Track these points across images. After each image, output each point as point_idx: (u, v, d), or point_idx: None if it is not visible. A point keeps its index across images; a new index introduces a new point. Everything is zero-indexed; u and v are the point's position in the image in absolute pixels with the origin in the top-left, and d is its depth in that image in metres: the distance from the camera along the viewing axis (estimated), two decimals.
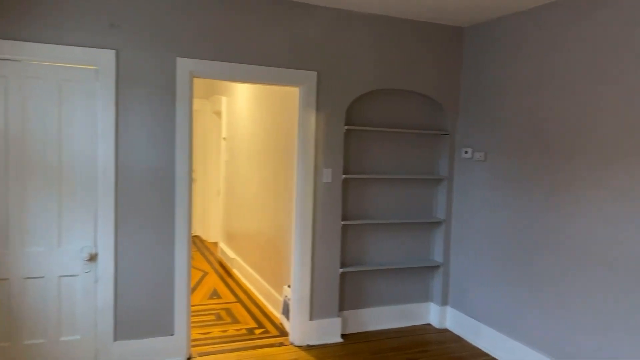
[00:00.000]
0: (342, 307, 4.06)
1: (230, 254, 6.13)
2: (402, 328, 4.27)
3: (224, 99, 6.61)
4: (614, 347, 2.84)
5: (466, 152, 4.07)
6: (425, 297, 4.39)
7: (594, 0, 2.97)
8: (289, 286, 4.20)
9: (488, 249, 3.84)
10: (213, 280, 5.62)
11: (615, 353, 2.84)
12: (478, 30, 3.98)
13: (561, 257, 3.20)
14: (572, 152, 3.13)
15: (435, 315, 4.32)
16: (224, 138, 6.61)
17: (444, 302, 4.29)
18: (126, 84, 3.18)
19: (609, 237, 2.88)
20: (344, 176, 3.88)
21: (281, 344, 3.88)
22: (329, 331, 3.92)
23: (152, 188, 3.29)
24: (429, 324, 4.37)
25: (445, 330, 4.25)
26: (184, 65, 3.31)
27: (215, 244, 7.44)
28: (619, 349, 2.82)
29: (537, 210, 3.39)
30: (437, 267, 4.33)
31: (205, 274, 5.90)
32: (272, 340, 3.95)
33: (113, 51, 3.13)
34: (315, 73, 3.71)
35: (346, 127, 3.86)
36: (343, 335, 4.01)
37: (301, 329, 3.85)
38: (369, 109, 4.06)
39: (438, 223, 4.31)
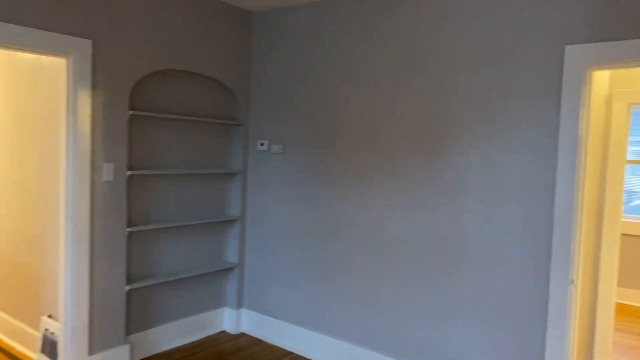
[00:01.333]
0: (129, 331, 3.35)
1: None
2: (196, 342, 3.79)
3: None
4: (405, 326, 3.05)
5: (262, 144, 3.84)
6: (219, 303, 4.01)
7: None
8: (50, 316, 3.26)
9: (286, 244, 3.71)
10: None
11: (404, 331, 3.05)
12: (267, 16, 3.78)
13: (352, 245, 3.28)
14: (369, 143, 3.22)
15: (230, 320, 3.99)
16: None
17: (239, 304, 4.00)
18: None
19: (397, 226, 3.07)
20: (129, 172, 3.18)
21: None
22: None
23: None
24: (223, 332, 4.01)
25: (242, 335, 3.96)
26: None
27: None
28: (407, 327, 3.04)
29: (333, 202, 3.41)
30: (231, 268, 3.99)
31: None
32: None
33: None
34: (89, 42, 2.91)
35: (131, 112, 3.16)
36: None
37: None
38: (158, 92, 3.44)
39: (232, 221, 3.97)
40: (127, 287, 3.23)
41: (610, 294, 3.31)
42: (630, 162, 5.27)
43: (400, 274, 3.12)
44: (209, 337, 3.90)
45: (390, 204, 3.16)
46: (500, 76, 2.71)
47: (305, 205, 3.59)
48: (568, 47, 2.48)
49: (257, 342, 3.84)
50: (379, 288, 3.22)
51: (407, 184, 3.08)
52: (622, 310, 5.16)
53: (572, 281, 2.56)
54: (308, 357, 3.59)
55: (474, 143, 2.81)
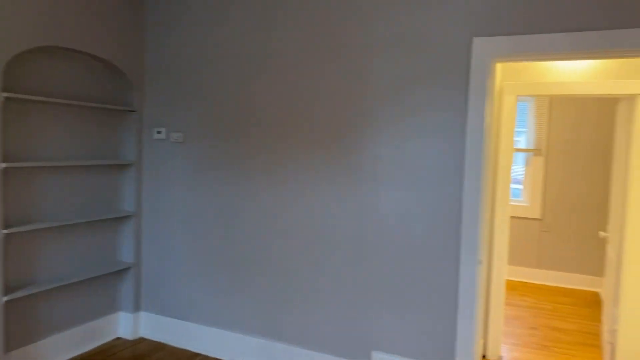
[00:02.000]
0: (9, 347, 2.90)
1: None
2: (89, 352, 3.41)
3: None
4: (319, 316, 3.04)
5: (159, 132, 3.54)
6: (113, 307, 3.64)
7: None
8: None
9: (187, 240, 3.48)
10: None
11: (318, 321, 3.04)
12: None
13: (260, 238, 3.19)
14: (278, 130, 3.13)
15: (127, 325, 3.65)
16: None
17: (136, 308, 3.67)
18: None
19: (307, 215, 3.04)
20: (3, 165, 2.72)
21: None
22: None
23: None
24: (118, 338, 3.66)
25: (141, 341, 3.65)
26: None
27: None
28: (321, 317, 3.03)
29: (239, 194, 3.26)
30: (126, 269, 3.64)
31: None
32: None
33: None
34: None
35: (5, 95, 2.70)
36: None
37: None
38: (40, 73, 2.99)
39: (126, 217, 3.62)
40: (5, 298, 2.78)
41: (502, 271, 3.59)
42: (518, 150, 5.80)
43: (312, 264, 3.08)
44: (102, 345, 3.53)
45: (300, 194, 3.09)
46: (412, 65, 2.77)
47: (209, 197, 3.38)
48: (476, 40, 2.60)
49: (160, 347, 3.56)
50: (291, 280, 3.15)
51: (318, 172, 3.04)
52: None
53: (480, 262, 2.71)
54: (217, 357, 3.41)
55: (386, 130, 2.84)
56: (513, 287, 5.57)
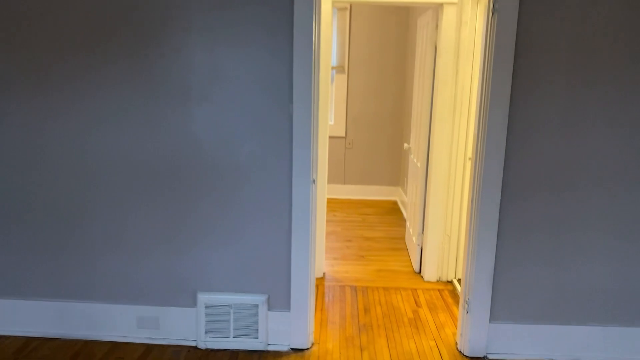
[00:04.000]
0: None
1: None
2: None
3: None
4: (132, 266, 2.58)
5: None
6: None
7: None
8: None
9: None
10: None
11: (131, 272, 2.59)
12: None
13: (51, 178, 2.51)
14: (52, 33, 2.38)
15: None
16: None
17: None
18: None
19: (106, 146, 2.46)
20: None
21: None
22: None
23: None
24: None
25: None
26: None
27: None
28: (135, 266, 2.58)
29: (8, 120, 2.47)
30: None
31: None
32: None
33: None
34: None
35: None
36: None
37: None
38: None
39: None
40: None
41: (324, 190, 3.53)
42: (334, 68, 5.71)
43: (118, 205, 2.53)
44: None
45: (95, 119, 2.44)
46: None
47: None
48: None
49: None
50: (90, 229, 2.56)
51: (115, 90, 2.42)
52: None
53: (314, 181, 2.53)
54: (4, 333, 2.68)
55: (197, 38, 2.35)
56: None
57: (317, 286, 3.44)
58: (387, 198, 6.04)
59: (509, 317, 2.55)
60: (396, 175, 5.99)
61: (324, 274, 3.71)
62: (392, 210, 5.56)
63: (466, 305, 2.57)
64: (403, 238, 4.59)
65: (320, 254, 3.62)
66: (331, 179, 5.99)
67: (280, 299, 2.60)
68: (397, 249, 4.30)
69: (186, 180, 2.49)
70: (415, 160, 4.00)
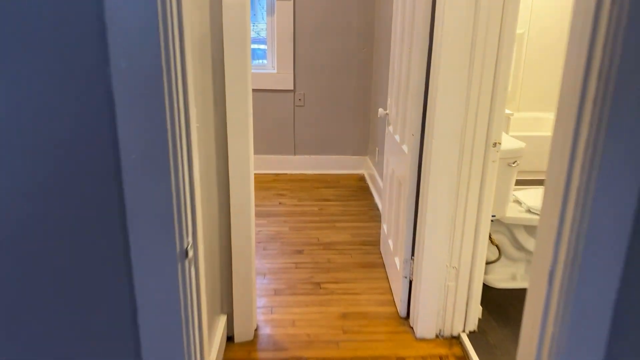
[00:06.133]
0: None
1: None
2: None
3: None
4: None
5: None
6: None
7: None
8: None
9: None
10: None
11: None
12: None
13: None
14: None
15: None
16: None
17: None
18: None
19: None
20: None
21: None
22: None
23: None
24: None
25: None
26: None
27: None
28: None
29: None
30: None
31: None
32: None
33: None
34: None
35: None
36: None
37: None
38: None
39: None
40: None
41: (249, 184, 2.06)
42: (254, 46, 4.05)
43: None
44: None
45: None
46: None
47: None
48: None
49: None
50: None
51: None
52: None
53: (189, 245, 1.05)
54: None
55: None
56: None
57: None
58: (352, 171, 4.60)
59: None
60: (364, 142, 4.52)
61: (255, 330, 2.31)
62: (360, 191, 4.15)
63: None
64: (377, 244, 3.20)
65: (248, 303, 2.20)
66: (276, 149, 4.48)
67: None
68: (371, 265, 2.93)
69: None
70: (398, 140, 2.54)
